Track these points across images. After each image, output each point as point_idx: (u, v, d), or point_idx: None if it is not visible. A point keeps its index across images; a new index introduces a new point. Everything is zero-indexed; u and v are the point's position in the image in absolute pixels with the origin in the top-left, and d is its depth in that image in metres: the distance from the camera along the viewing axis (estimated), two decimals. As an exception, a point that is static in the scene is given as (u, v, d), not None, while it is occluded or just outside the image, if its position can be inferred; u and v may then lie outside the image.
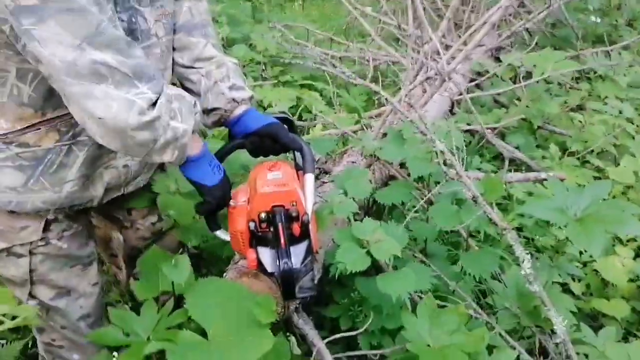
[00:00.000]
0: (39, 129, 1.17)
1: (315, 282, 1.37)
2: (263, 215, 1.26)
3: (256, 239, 1.32)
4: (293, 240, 1.28)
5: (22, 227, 1.26)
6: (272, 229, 1.29)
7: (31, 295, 1.34)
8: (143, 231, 1.60)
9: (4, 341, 1.71)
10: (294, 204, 1.26)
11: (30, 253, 1.29)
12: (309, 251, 1.32)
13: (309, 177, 1.36)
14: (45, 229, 1.29)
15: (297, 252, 1.29)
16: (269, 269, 1.31)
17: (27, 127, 1.16)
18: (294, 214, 1.26)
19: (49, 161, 1.21)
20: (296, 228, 1.27)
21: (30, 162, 1.19)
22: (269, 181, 1.28)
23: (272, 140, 1.41)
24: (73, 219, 1.35)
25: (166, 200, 1.55)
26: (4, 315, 1.11)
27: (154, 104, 1.05)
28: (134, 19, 1.20)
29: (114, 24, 1.08)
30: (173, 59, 1.41)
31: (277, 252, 1.28)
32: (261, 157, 1.48)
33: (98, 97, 1.00)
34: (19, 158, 1.18)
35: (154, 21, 1.26)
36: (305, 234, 1.30)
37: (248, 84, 3.10)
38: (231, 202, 1.36)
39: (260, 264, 1.32)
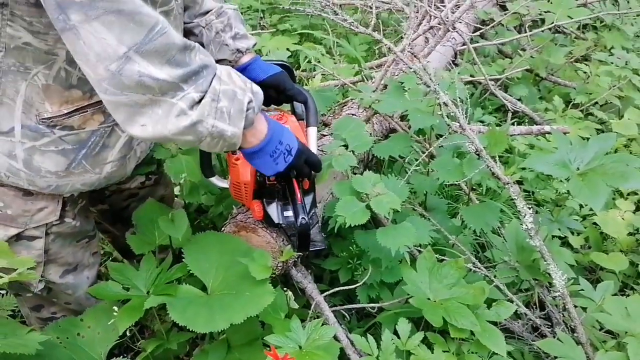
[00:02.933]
0: (86, 111, 1.12)
1: (323, 235, 1.40)
2: None
3: (262, 191, 1.34)
4: (303, 193, 1.32)
5: (39, 208, 1.23)
6: (281, 182, 1.31)
7: (41, 277, 1.31)
8: (131, 190, 1.58)
9: (3, 291, 1.71)
10: None
11: (46, 234, 1.26)
12: (314, 204, 1.36)
13: (312, 130, 1.38)
14: (63, 208, 1.27)
15: (306, 205, 1.33)
16: (276, 220, 1.34)
17: (74, 111, 1.11)
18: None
19: (93, 143, 1.18)
20: (306, 182, 1.32)
21: (73, 146, 1.15)
22: None
23: (277, 91, 1.41)
24: (81, 195, 1.33)
25: (174, 165, 1.52)
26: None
27: (199, 102, 0.97)
28: None
29: (170, 18, 1.01)
30: None
31: (289, 203, 1.32)
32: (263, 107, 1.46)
33: (141, 107, 0.94)
34: (63, 142, 1.14)
35: None
36: (312, 187, 1.34)
37: (247, 31, 3.02)
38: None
39: (266, 215, 1.35)
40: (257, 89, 1.09)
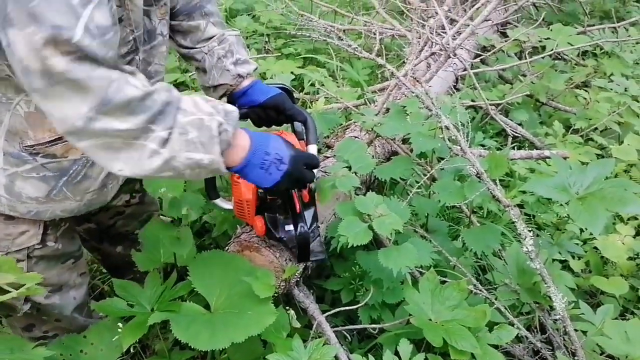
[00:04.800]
0: (67, 140, 1.13)
1: (324, 247, 1.43)
2: None
3: (264, 207, 1.38)
4: (304, 206, 1.36)
5: (21, 232, 1.25)
6: (281, 197, 1.34)
7: (25, 299, 1.32)
8: (117, 208, 1.59)
9: None
10: None
11: (28, 257, 1.28)
12: (315, 217, 1.40)
13: (312, 148, 1.40)
14: (44, 232, 1.28)
15: (307, 218, 1.37)
16: (278, 234, 1.38)
17: (57, 139, 1.14)
18: None
19: (74, 172, 1.20)
20: (305, 195, 1.35)
21: (54, 173, 1.18)
22: None
23: (276, 112, 1.44)
24: (63, 218, 1.34)
25: (151, 180, 1.50)
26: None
27: (168, 139, 0.97)
28: (143, 21, 1.17)
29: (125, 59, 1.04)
30: (176, 42, 1.44)
31: (290, 217, 1.36)
32: (264, 127, 1.50)
33: (116, 151, 0.95)
34: (44, 169, 1.16)
35: (159, 20, 1.24)
36: (312, 201, 1.38)
37: (252, 55, 3.07)
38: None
39: (269, 230, 1.38)
40: (231, 108, 1.08)
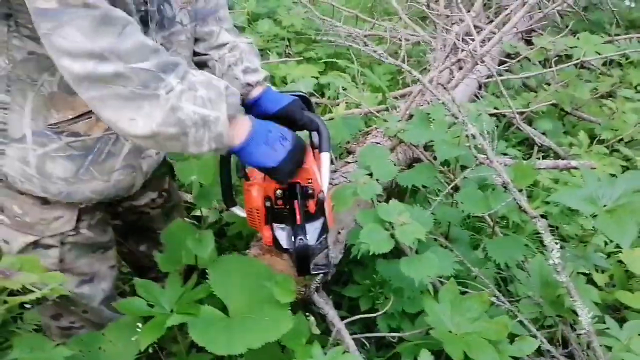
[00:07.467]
0: (90, 117, 1.16)
1: (331, 260, 1.39)
2: (279, 192, 1.28)
3: (272, 216, 1.34)
4: (309, 217, 1.30)
5: (55, 217, 1.26)
6: (287, 206, 1.30)
7: None
8: (141, 208, 1.59)
9: (28, 305, 1.73)
10: (310, 181, 1.27)
11: (61, 243, 1.29)
12: (324, 229, 1.33)
13: (325, 156, 1.37)
14: (78, 218, 1.29)
15: (313, 229, 1.31)
16: (284, 245, 1.34)
17: (78, 116, 1.15)
18: (309, 192, 1.27)
19: (98, 150, 1.21)
20: (312, 205, 1.29)
21: (80, 152, 1.19)
22: None
23: (289, 121, 1.40)
24: (97, 206, 1.36)
25: (183, 167, 1.53)
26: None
27: (176, 91, 0.99)
28: (162, 7, 1.19)
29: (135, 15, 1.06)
30: None
31: (292, 228, 1.30)
32: None
33: (126, 100, 0.96)
34: (70, 148, 1.18)
35: (179, 9, 1.25)
36: (320, 212, 1.31)
37: (273, 59, 3.06)
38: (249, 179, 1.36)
39: (275, 241, 1.35)
40: (233, 89, 1.11)
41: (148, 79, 0.96)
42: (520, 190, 1.40)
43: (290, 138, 1.19)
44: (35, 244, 1.26)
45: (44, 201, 1.23)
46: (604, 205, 1.36)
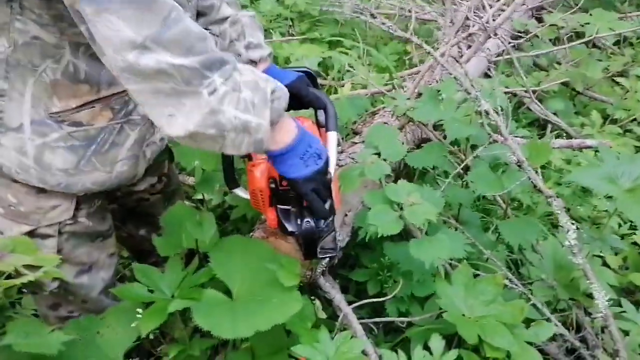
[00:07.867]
0: (94, 106, 1.12)
1: (338, 242, 1.34)
2: None
3: (277, 198, 1.29)
4: None
5: (52, 206, 1.21)
6: (297, 190, 1.23)
7: (53, 277, 1.28)
8: (140, 193, 1.55)
9: (25, 290, 1.69)
10: None
11: (59, 233, 1.25)
12: (331, 211, 1.28)
13: (332, 135, 1.33)
14: (76, 207, 1.25)
15: None
16: (290, 227, 1.28)
17: (81, 105, 1.11)
18: None
19: (102, 140, 1.17)
20: None
21: (82, 142, 1.14)
22: None
23: (295, 98, 1.34)
24: (96, 194, 1.31)
25: (184, 152, 1.48)
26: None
27: (220, 92, 0.93)
28: None
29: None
30: None
31: (298, 210, 1.25)
32: None
33: (166, 96, 0.90)
34: (71, 138, 1.13)
35: None
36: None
37: (276, 38, 2.99)
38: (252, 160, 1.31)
39: (280, 223, 1.29)
40: (283, 87, 1.05)
41: (191, 76, 0.90)
42: (535, 170, 1.34)
43: (325, 157, 1.16)
44: (31, 234, 1.21)
45: (40, 190, 1.18)
46: (624, 185, 1.30)
